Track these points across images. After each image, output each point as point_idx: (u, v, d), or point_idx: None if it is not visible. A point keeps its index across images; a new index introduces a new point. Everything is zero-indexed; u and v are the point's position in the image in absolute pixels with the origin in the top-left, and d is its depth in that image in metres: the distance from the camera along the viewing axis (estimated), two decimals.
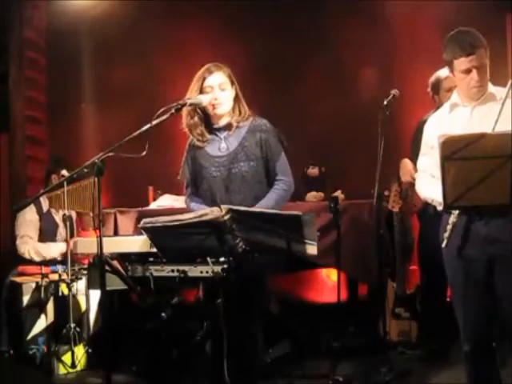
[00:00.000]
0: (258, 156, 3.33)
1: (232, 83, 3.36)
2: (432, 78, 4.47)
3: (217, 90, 3.31)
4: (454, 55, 2.98)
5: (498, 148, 2.74)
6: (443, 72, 4.22)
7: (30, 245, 5.01)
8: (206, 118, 3.38)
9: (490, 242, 2.90)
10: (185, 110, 3.31)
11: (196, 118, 3.36)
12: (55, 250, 5.04)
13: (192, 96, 3.31)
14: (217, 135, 3.38)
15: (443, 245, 3.01)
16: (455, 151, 2.77)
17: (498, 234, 2.89)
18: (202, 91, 3.32)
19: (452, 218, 2.98)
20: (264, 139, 3.34)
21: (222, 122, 3.37)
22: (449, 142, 2.79)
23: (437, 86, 4.40)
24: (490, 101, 3.01)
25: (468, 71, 2.96)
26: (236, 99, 3.38)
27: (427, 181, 3.09)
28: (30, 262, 5.01)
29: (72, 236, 4.96)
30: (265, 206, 3.21)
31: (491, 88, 3.03)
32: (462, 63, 2.97)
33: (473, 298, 3.01)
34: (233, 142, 3.34)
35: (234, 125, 3.35)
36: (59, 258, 5.06)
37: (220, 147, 3.35)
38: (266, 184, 3.35)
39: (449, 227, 3.00)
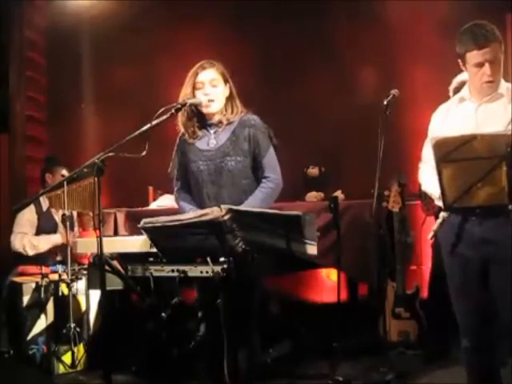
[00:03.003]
0: (246, 151, 3.32)
1: (226, 81, 3.36)
2: (455, 83, 4.29)
3: (208, 85, 3.31)
4: (467, 48, 2.93)
5: (490, 149, 2.75)
6: (466, 76, 4.10)
7: (25, 240, 5.01)
8: (199, 116, 3.38)
9: (484, 242, 2.91)
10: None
11: (191, 117, 3.37)
12: (47, 241, 5.04)
13: (186, 92, 3.31)
14: (208, 131, 3.38)
15: (429, 236, 3.04)
16: (448, 153, 2.77)
17: (493, 235, 2.89)
18: (194, 87, 3.32)
19: (443, 213, 3.00)
20: (252, 134, 3.33)
21: (214, 120, 3.38)
22: (441, 144, 2.81)
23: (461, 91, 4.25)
24: (497, 100, 3.00)
25: (480, 65, 2.92)
26: (229, 98, 3.38)
27: (428, 172, 3.09)
28: (30, 261, 5.01)
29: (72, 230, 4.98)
30: (251, 205, 3.20)
31: (502, 87, 3.00)
32: (474, 56, 2.92)
33: (470, 296, 3.02)
34: (222, 138, 3.34)
35: (224, 122, 3.35)
36: (57, 257, 5.07)
37: (209, 142, 3.35)
38: (253, 179, 3.35)
39: (438, 221, 3.02)
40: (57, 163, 5.21)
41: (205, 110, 3.35)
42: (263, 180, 3.34)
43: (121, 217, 4.96)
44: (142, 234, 3.08)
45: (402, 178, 4.74)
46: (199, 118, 3.39)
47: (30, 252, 5.01)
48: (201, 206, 3.27)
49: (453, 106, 3.12)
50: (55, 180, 5.12)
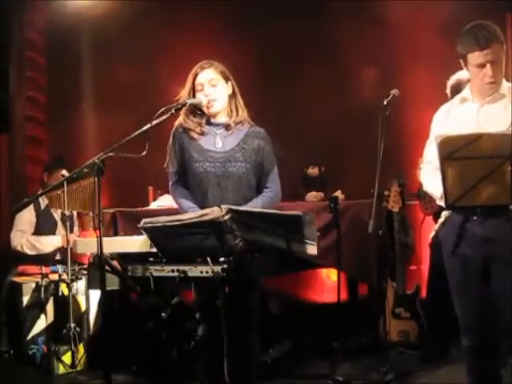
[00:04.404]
0: (253, 161, 3.32)
1: (226, 79, 3.34)
2: (452, 81, 4.32)
3: (207, 86, 3.29)
4: (469, 49, 2.93)
5: (495, 148, 2.75)
6: (464, 74, 4.10)
7: (23, 238, 5.02)
8: (202, 115, 3.36)
9: (486, 242, 2.91)
10: (182, 109, 3.30)
11: (193, 116, 3.35)
12: (48, 243, 5.04)
13: (185, 94, 3.30)
14: (212, 129, 3.36)
15: (430, 236, 3.05)
16: (453, 151, 2.78)
17: (494, 234, 2.89)
18: (194, 89, 3.32)
19: (445, 213, 3.00)
20: (262, 147, 3.34)
21: (219, 119, 3.35)
22: (446, 143, 2.80)
23: (458, 88, 4.24)
24: (499, 100, 3.00)
25: (482, 66, 2.93)
26: (232, 96, 3.36)
27: (430, 173, 3.09)
28: (30, 261, 5.01)
29: (72, 232, 4.98)
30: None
31: (504, 87, 3.00)
32: (476, 57, 2.92)
33: (471, 296, 3.02)
34: (230, 142, 3.32)
35: (232, 125, 3.33)
36: (57, 257, 5.07)
37: (215, 142, 3.33)
38: (254, 189, 3.35)
39: (440, 220, 3.02)
40: (60, 164, 5.20)
41: (207, 111, 3.33)
42: (265, 190, 3.35)
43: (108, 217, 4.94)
44: (141, 233, 3.08)
45: (401, 178, 4.74)
46: (202, 117, 3.37)
47: (29, 252, 5.01)
48: (203, 207, 3.25)
49: (454, 106, 3.12)
50: (51, 179, 5.12)
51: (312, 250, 2.88)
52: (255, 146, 3.33)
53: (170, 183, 3.43)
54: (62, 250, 5.04)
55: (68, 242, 4.69)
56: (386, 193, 4.72)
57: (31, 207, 5.04)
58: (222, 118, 3.36)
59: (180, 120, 3.35)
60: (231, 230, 2.89)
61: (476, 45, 2.91)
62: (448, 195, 2.85)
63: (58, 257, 5.11)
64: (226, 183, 3.28)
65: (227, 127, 3.34)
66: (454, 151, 2.77)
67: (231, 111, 3.36)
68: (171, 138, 3.40)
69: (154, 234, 3.01)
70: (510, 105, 2.95)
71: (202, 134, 3.34)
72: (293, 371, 4.51)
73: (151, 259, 3.15)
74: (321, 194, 5.52)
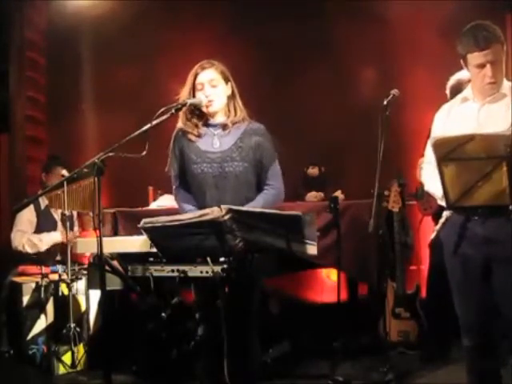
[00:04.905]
0: (251, 159, 3.30)
1: (226, 80, 3.33)
2: (452, 81, 4.30)
3: (207, 86, 3.29)
4: (468, 49, 2.93)
5: (489, 149, 2.75)
6: (465, 74, 4.09)
7: (24, 238, 5.02)
8: (201, 115, 3.36)
9: (487, 242, 2.91)
10: (182, 109, 3.30)
11: (192, 116, 3.34)
12: (48, 239, 5.04)
13: (186, 93, 3.29)
14: (210, 130, 3.35)
15: (431, 236, 3.06)
16: (448, 152, 2.78)
17: (495, 234, 2.89)
18: (194, 88, 3.31)
19: (446, 213, 3.00)
20: (260, 143, 3.32)
21: (217, 120, 3.35)
22: (440, 144, 2.81)
23: (458, 89, 4.22)
24: (500, 100, 2.99)
25: (482, 66, 2.92)
26: (231, 97, 3.35)
27: (432, 173, 3.09)
28: (30, 261, 5.01)
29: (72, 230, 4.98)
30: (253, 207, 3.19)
31: (505, 87, 3.00)
32: (475, 58, 2.92)
33: (472, 295, 3.02)
34: (227, 141, 3.31)
35: (229, 125, 3.32)
36: (57, 257, 5.08)
37: (212, 143, 3.32)
38: (254, 187, 3.33)
39: (441, 220, 3.02)
40: (56, 163, 5.20)
41: (206, 110, 3.33)
42: (266, 187, 3.33)
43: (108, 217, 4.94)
44: (141, 233, 3.07)
45: (401, 178, 4.75)
46: (201, 118, 3.37)
47: (30, 250, 5.02)
48: (202, 209, 3.24)
49: (455, 105, 3.12)
50: (50, 179, 5.13)
51: (312, 250, 2.88)
52: (252, 143, 3.31)
53: (174, 187, 3.43)
54: (62, 250, 5.04)
55: (68, 240, 4.69)
56: (386, 193, 4.72)
57: (31, 207, 5.05)
58: (219, 118, 3.35)
59: (179, 121, 3.35)
60: (231, 230, 2.89)
61: (476, 45, 2.91)
62: (448, 196, 2.85)
63: (58, 257, 5.11)
64: (224, 183, 3.27)
65: (224, 127, 3.33)
66: (449, 152, 2.78)
67: (229, 111, 3.35)
68: (172, 142, 3.39)
69: (154, 234, 3.01)
70: (511, 104, 2.95)
71: (200, 135, 3.33)
72: (293, 371, 4.51)
73: (151, 259, 3.15)
74: (321, 194, 5.52)
